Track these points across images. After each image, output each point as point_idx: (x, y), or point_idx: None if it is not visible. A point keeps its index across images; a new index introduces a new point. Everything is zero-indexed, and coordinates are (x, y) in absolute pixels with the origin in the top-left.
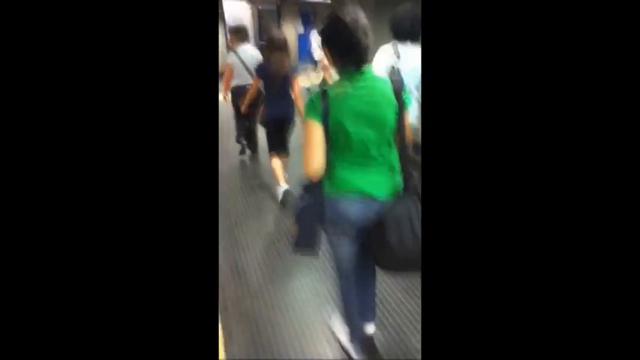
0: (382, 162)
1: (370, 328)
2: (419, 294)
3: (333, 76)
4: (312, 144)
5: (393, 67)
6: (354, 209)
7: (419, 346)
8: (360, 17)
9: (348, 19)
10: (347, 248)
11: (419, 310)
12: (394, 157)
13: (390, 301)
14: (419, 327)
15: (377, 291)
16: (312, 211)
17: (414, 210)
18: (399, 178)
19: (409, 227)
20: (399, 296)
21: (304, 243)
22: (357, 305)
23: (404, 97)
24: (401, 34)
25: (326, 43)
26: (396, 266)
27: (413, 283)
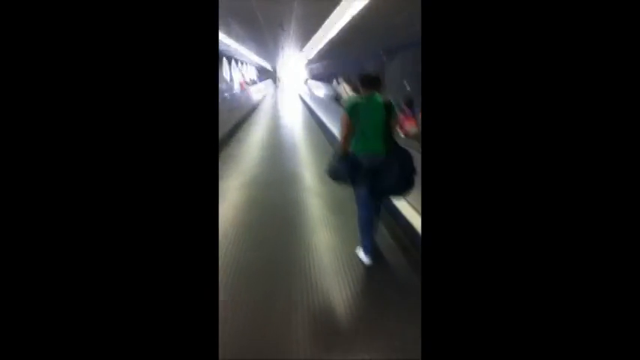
0: (379, 139)
1: (367, 259)
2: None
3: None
4: (344, 128)
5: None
6: (368, 159)
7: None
8: (376, 74)
9: (373, 74)
10: (363, 190)
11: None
12: (385, 136)
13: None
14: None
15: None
16: (344, 165)
17: (393, 159)
18: (388, 146)
19: (396, 165)
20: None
21: (339, 178)
22: (367, 234)
23: (392, 107)
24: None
25: (360, 81)
26: (376, 192)
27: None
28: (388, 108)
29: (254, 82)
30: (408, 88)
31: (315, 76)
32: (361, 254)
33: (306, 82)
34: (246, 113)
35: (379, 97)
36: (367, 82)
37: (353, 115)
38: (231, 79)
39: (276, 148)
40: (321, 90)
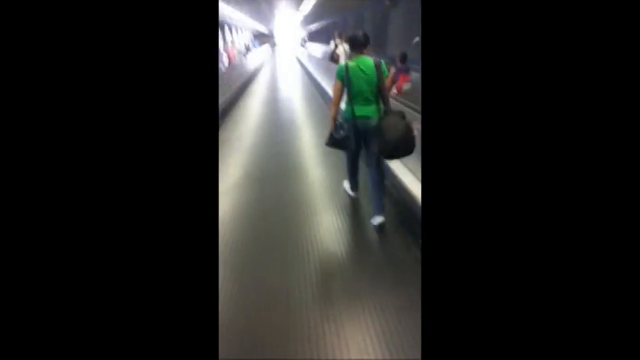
0: (372, 102)
1: (378, 219)
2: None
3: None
4: (335, 93)
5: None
6: (361, 123)
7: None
8: (363, 33)
9: (360, 35)
10: (369, 149)
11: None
12: (377, 99)
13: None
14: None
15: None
16: (340, 135)
17: (391, 122)
18: (380, 110)
19: (393, 130)
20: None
21: (336, 145)
22: (353, 176)
23: (382, 68)
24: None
25: (349, 42)
26: (386, 152)
27: None
28: (378, 68)
29: (248, 50)
30: (418, 40)
31: (313, 37)
32: (346, 186)
33: (303, 43)
34: (239, 90)
35: (368, 59)
36: (355, 44)
37: (343, 79)
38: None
39: (275, 128)
40: (319, 52)
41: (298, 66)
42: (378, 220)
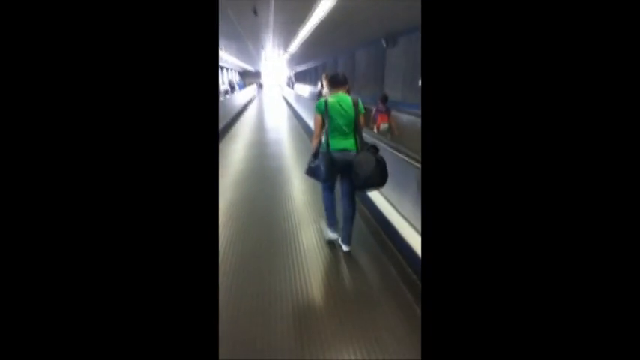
0: (350, 136)
1: (346, 247)
2: None
3: (328, 93)
4: (316, 126)
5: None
6: (339, 156)
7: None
8: (342, 74)
9: (340, 75)
10: (343, 181)
11: None
12: (355, 133)
13: None
14: None
15: None
16: (316, 165)
17: (363, 157)
18: (358, 143)
19: (365, 164)
20: None
21: (312, 175)
22: (332, 214)
23: (359, 105)
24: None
25: (329, 80)
26: (359, 185)
27: None
28: (356, 105)
29: (233, 89)
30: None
31: (299, 77)
32: (324, 226)
33: (290, 83)
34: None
35: (346, 96)
36: (334, 82)
37: (322, 112)
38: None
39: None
40: (306, 91)
41: (285, 105)
42: (345, 248)
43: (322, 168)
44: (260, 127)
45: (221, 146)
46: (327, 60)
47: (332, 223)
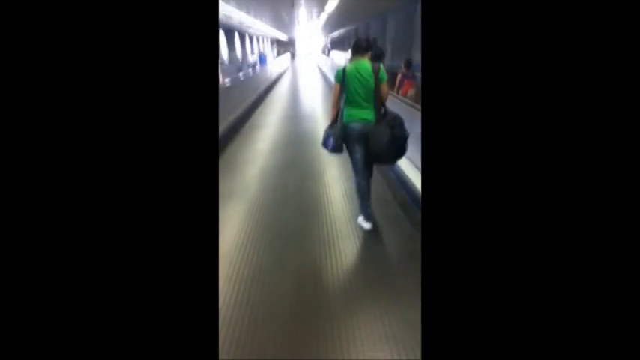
0: (368, 106)
1: (367, 225)
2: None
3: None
4: (334, 94)
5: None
6: (357, 127)
7: None
8: (366, 39)
9: (363, 41)
10: (357, 154)
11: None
12: (374, 103)
13: None
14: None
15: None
16: (336, 134)
17: (377, 131)
18: (376, 114)
19: (378, 138)
20: None
21: (333, 149)
22: (366, 195)
23: (380, 73)
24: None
25: (351, 47)
26: (371, 160)
27: None
28: (376, 73)
29: (258, 62)
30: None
31: (336, 44)
32: (361, 220)
33: (326, 51)
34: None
35: (367, 64)
36: (357, 49)
37: (340, 81)
38: (244, 58)
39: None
40: (343, 59)
41: (320, 77)
42: (366, 225)
43: (331, 138)
44: (291, 115)
45: (239, 141)
46: (360, 25)
47: (363, 210)
